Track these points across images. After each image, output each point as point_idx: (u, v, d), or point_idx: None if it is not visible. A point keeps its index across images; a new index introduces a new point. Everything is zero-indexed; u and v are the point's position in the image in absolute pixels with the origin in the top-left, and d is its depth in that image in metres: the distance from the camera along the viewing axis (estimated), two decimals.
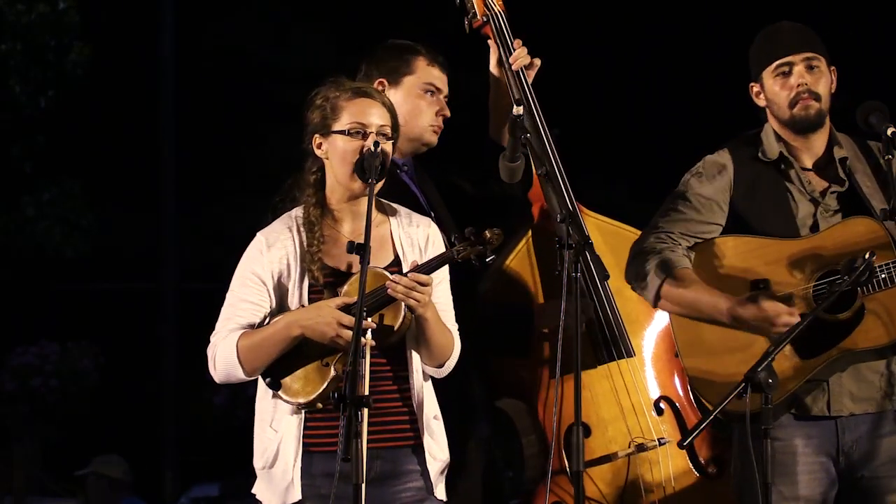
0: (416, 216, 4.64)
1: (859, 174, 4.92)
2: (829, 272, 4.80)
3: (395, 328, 4.40)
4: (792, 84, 4.91)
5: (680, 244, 4.96)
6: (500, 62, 5.20)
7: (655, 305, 4.96)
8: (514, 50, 5.21)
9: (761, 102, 5.00)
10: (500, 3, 5.28)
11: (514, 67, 5.17)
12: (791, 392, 4.81)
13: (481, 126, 5.27)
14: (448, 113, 5.17)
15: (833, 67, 4.96)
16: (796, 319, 4.70)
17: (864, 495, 4.88)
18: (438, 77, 5.18)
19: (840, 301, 4.77)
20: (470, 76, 5.36)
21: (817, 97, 4.90)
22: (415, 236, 4.58)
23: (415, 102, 5.13)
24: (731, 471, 4.88)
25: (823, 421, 4.84)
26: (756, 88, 5.01)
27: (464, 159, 5.31)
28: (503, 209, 5.25)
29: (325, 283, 4.46)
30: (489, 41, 5.27)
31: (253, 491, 4.50)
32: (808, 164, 4.98)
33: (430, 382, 4.55)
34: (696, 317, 4.89)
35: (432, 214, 5.05)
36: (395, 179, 4.94)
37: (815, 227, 4.91)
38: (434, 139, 5.17)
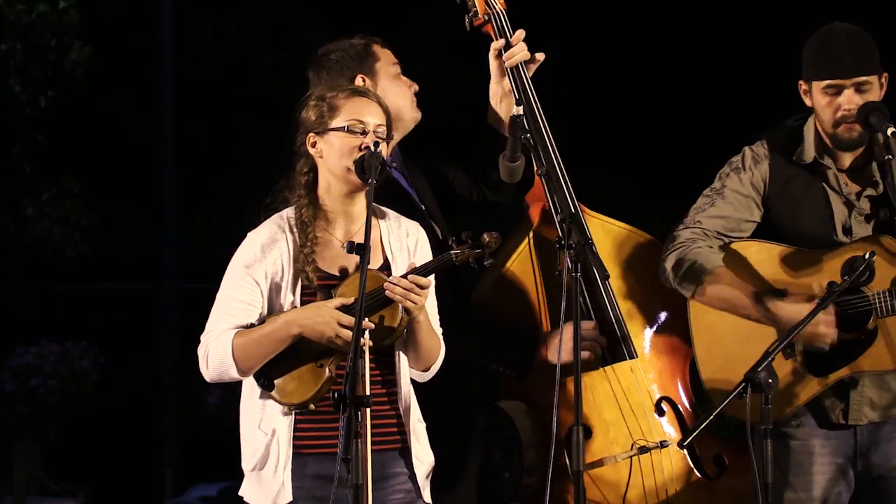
0: (405, 220, 4.63)
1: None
2: (849, 260, 4.78)
3: (394, 329, 4.40)
4: (839, 104, 4.86)
5: (715, 242, 4.97)
6: (498, 55, 5.15)
7: (692, 298, 4.98)
8: (514, 45, 5.16)
9: (808, 102, 4.95)
10: (502, 1, 5.24)
11: (508, 64, 5.11)
12: (799, 406, 4.82)
13: (481, 126, 5.25)
14: (416, 85, 5.17)
15: (885, 74, 4.91)
16: (832, 331, 4.72)
17: (880, 496, 4.88)
18: (393, 54, 5.17)
19: (854, 321, 4.77)
20: (470, 76, 5.34)
21: None
22: (404, 240, 4.57)
23: (393, 84, 5.11)
24: (751, 471, 4.86)
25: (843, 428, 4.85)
26: (804, 87, 4.95)
27: (463, 152, 5.28)
28: (494, 202, 5.23)
29: (318, 285, 4.45)
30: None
31: (240, 493, 4.48)
32: (846, 164, 4.95)
33: (412, 387, 4.55)
34: (732, 312, 4.91)
35: (423, 208, 5.04)
36: (386, 178, 4.92)
37: (848, 231, 4.89)
38: (419, 113, 5.15)
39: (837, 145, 4.90)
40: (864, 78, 4.84)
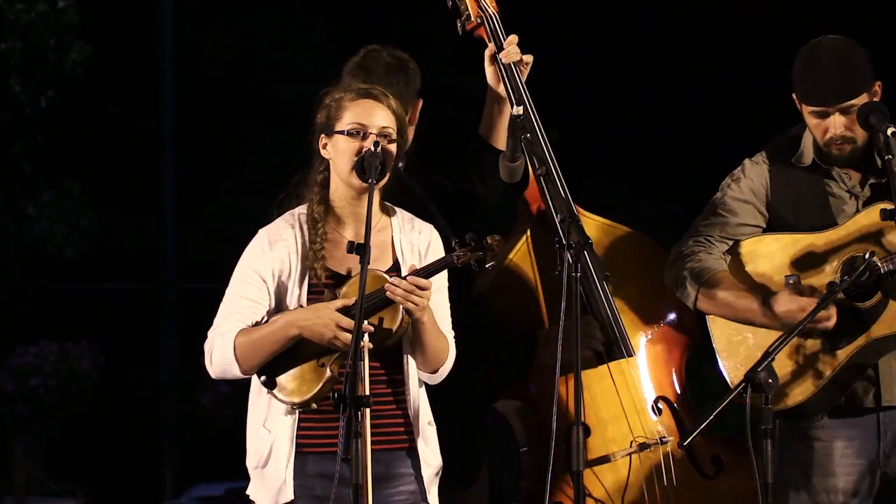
0: (419, 221, 4.63)
1: None
2: (849, 260, 4.79)
3: (393, 331, 4.40)
4: (827, 127, 4.87)
5: (717, 247, 5.00)
6: (493, 59, 5.14)
7: (695, 308, 5.00)
8: (506, 48, 5.14)
9: (802, 113, 4.98)
10: (494, 4, 5.21)
11: (505, 60, 5.08)
12: (823, 386, 4.81)
13: (471, 136, 5.23)
14: None
15: (878, 83, 4.90)
16: (830, 322, 4.71)
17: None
18: None
19: (867, 289, 4.77)
20: (470, 76, 5.33)
21: (852, 140, 4.89)
22: (416, 242, 4.57)
23: None
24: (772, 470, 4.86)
25: (867, 416, 4.84)
26: (796, 99, 4.97)
27: (448, 153, 5.27)
28: (481, 208, 5.21)
29: (325, 283, 4.46)
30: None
31: (247, 492, 4.50)
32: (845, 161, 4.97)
33: (423, 388, 4.56)
34: (734, 318, 4.92)
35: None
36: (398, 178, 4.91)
37: None
38: None
39: (831, 161, 4.94)
40: (850, 102, 4.85)
